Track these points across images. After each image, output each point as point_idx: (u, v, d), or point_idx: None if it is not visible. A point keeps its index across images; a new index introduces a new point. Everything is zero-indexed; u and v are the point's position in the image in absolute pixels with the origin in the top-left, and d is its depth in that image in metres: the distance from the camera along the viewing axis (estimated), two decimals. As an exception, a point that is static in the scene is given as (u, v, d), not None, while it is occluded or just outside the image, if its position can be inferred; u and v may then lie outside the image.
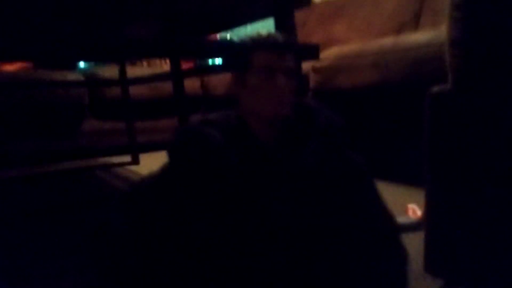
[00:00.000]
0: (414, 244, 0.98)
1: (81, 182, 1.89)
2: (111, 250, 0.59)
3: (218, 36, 2.54)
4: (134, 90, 2.02)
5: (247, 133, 0.58)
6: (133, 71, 2.12)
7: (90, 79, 2.14)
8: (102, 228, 0.63)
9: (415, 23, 2.07)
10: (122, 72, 1.92)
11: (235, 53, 0.62)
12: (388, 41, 1.57)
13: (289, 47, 0.58)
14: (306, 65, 1.67)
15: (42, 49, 0.80)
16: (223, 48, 0.96)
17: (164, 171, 0.60)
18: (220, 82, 2.43)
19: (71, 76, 2.04)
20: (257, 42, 0.58)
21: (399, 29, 2.09)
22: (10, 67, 2.21)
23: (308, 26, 2.65)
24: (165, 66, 2.64)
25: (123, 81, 1.93)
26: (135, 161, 2.00)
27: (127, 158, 2.02)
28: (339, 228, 0.56)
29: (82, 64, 2.33)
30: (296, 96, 0.60)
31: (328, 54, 1.75)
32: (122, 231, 0.58)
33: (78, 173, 2.02)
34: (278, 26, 1.08)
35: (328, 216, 0.56)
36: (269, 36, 0.58)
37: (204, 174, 0.55)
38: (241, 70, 0.59)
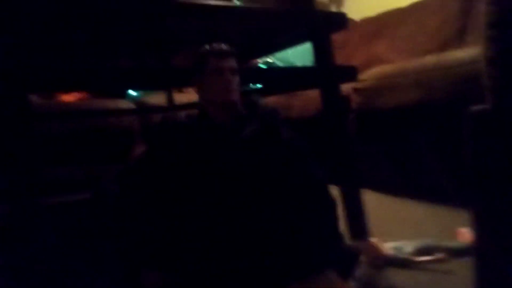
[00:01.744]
0: (466, 269, 0.94)
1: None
2: (109, 211, 0.84)
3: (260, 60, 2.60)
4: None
5: (207, 117, 0.81)
6: (179, 98, 2.21)
7: (140, 106, 2.25)
8: (100, 196, 0.91)
9: (459, 40, 2.03)
10: (170, 99, 2.01)
11: (194, 59, 0.83)
12: (430, 59, 1.54)
13: (231, 53, 0.81)
14: (347, 86, 1.68)
15: (97, 80, 0.87)
16: (262, 75, 0.99)
17: (146, 151, 0.82)
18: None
19: (123, 105, 2.15)
20: (209, 51, 0.81)
21: (443, 47, 2.05)
22: (68, 98, 2.38)
23: (349, 46, 2.65)
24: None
25: (171, 107, 2.02)
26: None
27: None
28: (278, 187, 0.74)
29: (132, 92, 2.45)
30: (242, 92, 0.81)
31: (370, 75, 1.74)
32: (116, 197, 0.82)
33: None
34: (316, 49, 1.11)
35: (268, 169, 0.75)
36: (216, 45, 0.81)
37: (176, 148, 0.77)
38: (199, 71, 0.81)
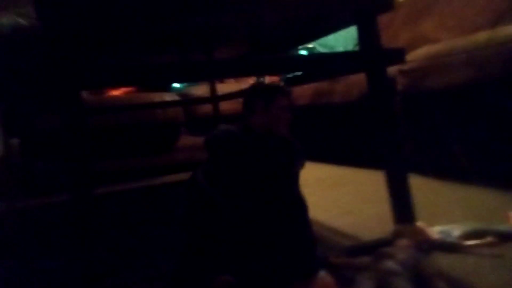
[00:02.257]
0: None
1: (179, 194, 2.03)
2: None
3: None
4: (223, 105, 2.14)
5: (261, 141, 0.85)
6: (221, 88, 2.25)
7: (184, 98, 2.31)
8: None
9: (513, 13, 1.91)
10: (213, 90, 2.04)
11: (262, 90, 0.91)
12: (482, 36, 1.47)
13: (286, 92, 0.89)
14: (393, 68, 1.63)
15: (145, 76, 0.90)
16: (302, 63, 0.99)
17: (208, 161, 0.86)
18: (303, 93, 2.46)
19: (168, 97, 2.22)
20: (281, 89, 0.89)
21: (495, 22, 1.94)
22: (116, 92, 2.47)
23: (394, 27, 2.57)
24: (250, 81, 2.74)
25: (214, 98, 2.05)
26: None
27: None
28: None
29: (176, 85, 2.51)
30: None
31: (416, 55, 1.69)
32: (185, 210, 0.87)
33: (175, 187, 2.17)
34: (361, 33, 1.08)
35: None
36: (284, 86, 0.92)
37: (235, 159, 0.82)
38: (265, 103, 0.87)
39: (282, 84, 0.92)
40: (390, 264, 0.80)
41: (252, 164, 0.83)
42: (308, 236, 0.85)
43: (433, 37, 2.25)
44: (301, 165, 0.88)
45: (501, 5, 1.96)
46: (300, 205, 0.85)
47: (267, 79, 2.59)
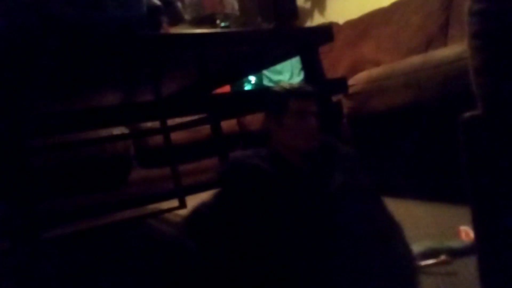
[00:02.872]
0: (469, 268, 0.96)
1: (134, 231, 1.97)
2: (184, 266, 0.73)
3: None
4: (174, 136, 2.11)
5: (284, 162, 0.73)
6: (171, 119, 2.22)
7: (133, 130, 2.25)
8: (175, 249, 0.78)
9: (443, 35, 2.05)
10: (163, 121, 2.01)
11: (272, 99, 0.76)
12: (417, 59, 1.56)
13: (315, 95, 0.75)
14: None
15: (91, 121, 0.87)
16: (250, 97, 1.00)
17: (221, 197, 0.74)
18: (255, 119, 2.49)
19: (116, 130, 2.16)
20: (292, 91, 0.74)
21: (428, 43, 2.08)
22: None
23: (335, 50, 2.67)
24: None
25: (165, 129, 2.03)
26: (182, 205, 2.06)
27: (174, 203, 2.09)
28: (354, 231, 0.70)
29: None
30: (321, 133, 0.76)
31: (358, 79, 1.76)
32: (192, 249, 0.72)
33: (130, 223, 2.10)
34: (305, 64, 1.12)
35: (353, 226, 0.70)
36: (300, 86, 0.74)
37: (256, 196, 0.69)
38: (277, 113, 0.74)
39: (310, 87, 0.76)
40: None
41: (283, 202, 0.69)
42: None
43: (373, 59, 2.37)
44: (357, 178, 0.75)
45: (432, 29, 2.10)
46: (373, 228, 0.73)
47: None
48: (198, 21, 1.15)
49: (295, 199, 0.70)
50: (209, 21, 1.16)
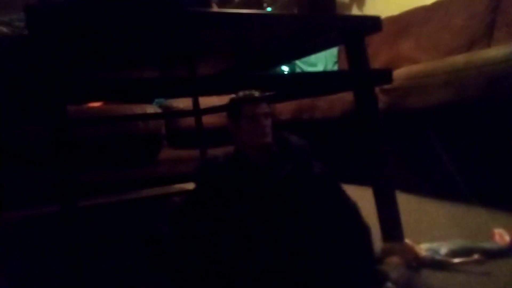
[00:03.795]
0: (503, 270, 0.95)
1: (160, 207, 2.01)
2: (163, 254, 0.87)
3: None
4: (206, 119, 2.13)
5: (244, 158, 0.86)
6: (204, 101, 2.24)
7: (166, 111, 2.29)
8: (153, 238, 0.91)
9: (487, 38, 2.00)
10: (196, 103, 2.04)
11: (229, 107, 0.89)
12: (460, 58, 1.53)
13: (263, 99, 0.87)
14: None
15: (127, 90, 0.90)
16: (296, 81, 1.00)
17: (192, 193, 0.89)
18: (286, 108, 2.49)
19: (150, 109, 2.19)
20: (243, 98, 0.86)
21: (470, 45, 2.03)
22: (96, 103, 2.43)
23: (373, 46, 2.63)
24: (233, 95, 2.75)
25: (197, 111, 2.05)
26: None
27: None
28: (313, 219, 0.83)
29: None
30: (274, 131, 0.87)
31: (397, 75, 1.73)
32: (170, 239, 0.86)
33: (157, 200, 2.14)
34: (350, 53, 1.11)
35: (304, 210, 0.83)
36: (250, 93, 0.86)
37: (219, 190, 0.83)
38: (234, 118, 0.86)
39: (258, 92, 0.89)
40: (388, 285, 0.81)
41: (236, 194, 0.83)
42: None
43: (411, 57, 2.33)
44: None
45: (476, 30, 2.05)
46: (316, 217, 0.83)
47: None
48: (245, 3, 1.16)
49: (249, 189, 0.83)
50: (256, 4, 1.17)
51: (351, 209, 0.89)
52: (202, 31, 1.00)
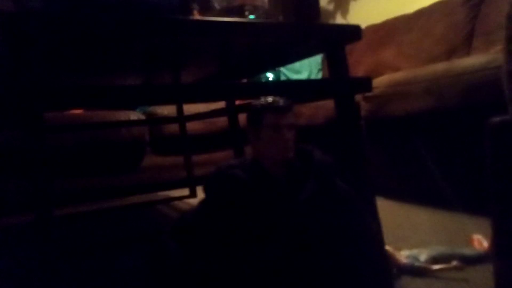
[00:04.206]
0: (481, 277, 0.96)
1: (144, 216, 1.99)
2: (168, 271, 0.79)
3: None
4: (190, 125, 2.13)
5: (262, 172, 0.78)
6: (188, 108, 2.23)
7: (150, 117, 2.27)
8: (158, 254, 0.82)
9: (466, 46, 2.04)
10: (180, 110, 2.03)
11: (249, 114, 0.81)
12: (440, 67, 1.55)
13: (289, 108, 0.78)
14: (357, 94, 1.69)
15: (109, 98, 0.88)
16: (277, 89, 1.00)
17: (204, 205, 0.81)
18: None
19: (133, 116, 2.18)
20: (266, 106, 0.78)
21: (450, 53, 2.07)
22: (77, 109, 2.40)
23: (356, 53, 2.67)
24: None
25: (181, 118, 2.04)
26: (193, 194, 2.08)
27: (185, 192, 2.11)
28: (336, 235, 0.76)
29: (141, 103, 2.47)
30: (296, 143, 0.79)
31: (379, 82, 1.76)
32: (176, 255, 0.77)
33: (140, 208, 2.12)
34: (330, 61, 1.12)
35: (325, 232, 0.76)
36: (274, 100, 0.78)
37: (234, 205, 0.75)
38: (254, 126, 0.79)
39: (286, 99, 0.80)
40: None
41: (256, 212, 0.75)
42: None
43: (393, 65, 2.36)
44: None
45: (456, 39, 2.09)
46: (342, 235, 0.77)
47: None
48: (227, 11, 1.16)
49: (268, 208, 0.75)
50: (238, 11, 1.17)
51: (371, 232, 0.83)
52: (184, 38, 1.00)
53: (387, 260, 0.87)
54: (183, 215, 0.85)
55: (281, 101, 0.78)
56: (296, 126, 0.79)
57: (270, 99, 0.79)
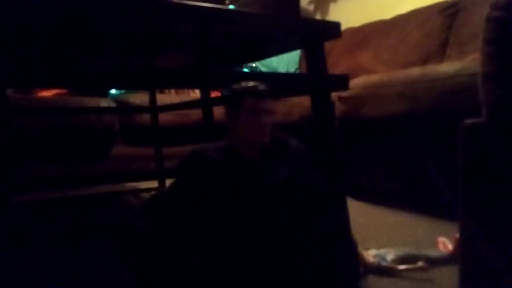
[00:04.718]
0: (445, 278, 0.97)
1: (109, 206, 1.93)
2: (139, 247, 0.80)
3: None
4: (163, 117, 2.08)
5: (237, 154, 0.80)
6: (161, 99, 2.18)
7: (121, 106, 2.21)
8: (130, 230, 0.83)
9: (441, 53, 2.08)
10: (153, 99, 1.98)
11: (229, 96, 0.82)
12: (415, 71, 1.58)
13: (269, 94, 0.80)
14: (333, 94, 1.69)
15: (79, 77, 0.84)
16: (251, 79, 0.99)
17: (177, 185, 0.81)
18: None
19: (103, 103, 2.11)
20: (246, 90, 0.80)
21: (425, 60, 2.11)
22: (46, 93, 2.31)
23: (333, 55, 2.69)
24: (192, 94, 2.70)
25: (154, 108, 1.99)
26: (162, 186, 2.03)
27: (154, 184, 2.06)
28: (305, 223, 0.78)
29: (113, 90, 2.41)
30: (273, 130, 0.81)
31: (355, 84, 1.76)
32: (146, 232, 0.78)
33: (106, 198, 2.06)
34: (309, 57, 1.11)
35: (296, 214, 0.78)
36: (254, 85, 0.80)
37: (208, 184, 0.77)
38: (234, 109, 0.80)
39: (265, 85, 0.81)
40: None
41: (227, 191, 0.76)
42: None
43: (369, 69, 2.39)
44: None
45: (431, 46, 2.14)
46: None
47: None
48: (207, -1, 1.13)
49: (242, 188, 0.76)
50: (218, 0, 1.14)
51: (339, 226, 0.85)
52: (159, 21, 0.97)
53: (355, 254, 0.88)
54: (155, 195, 0.86)
55: (261, 86, 0.80)
56: (274, 112, 0.81)
57: (251, 83, 0.80)
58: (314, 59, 1.07)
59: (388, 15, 2.54)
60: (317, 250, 0.77)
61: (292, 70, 2.94)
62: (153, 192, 1.95)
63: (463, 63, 1.43)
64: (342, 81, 1.07)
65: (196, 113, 2.13)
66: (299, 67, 2.97)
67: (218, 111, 2.15)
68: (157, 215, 0.79)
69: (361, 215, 1.56)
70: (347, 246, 0.85)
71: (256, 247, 0.75)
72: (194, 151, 0.80)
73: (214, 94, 2.37)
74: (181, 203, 0.78)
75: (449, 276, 0.97)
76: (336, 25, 1.06)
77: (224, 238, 0.74)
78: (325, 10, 3.14)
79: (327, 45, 1.11)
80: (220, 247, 0.74)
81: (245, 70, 2.91)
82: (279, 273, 0.74)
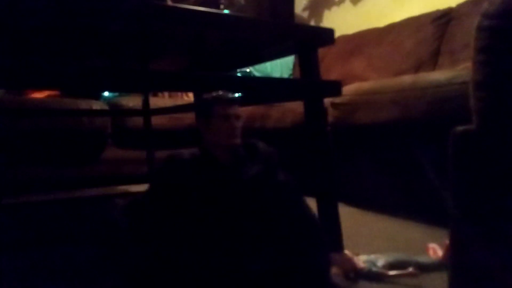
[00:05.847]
0: (435, 284, 0.98)
1: (100, 209, 1.92)
2: (119, 244, 0.89)
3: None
4: (155, 120, 2.07)
5: (210, 157, 0.86)
6: (154, 102, 2.18)
7: (113, 108, 2.20)
8: (110, 228, 0.96)
9: (433, 62, 2.11)
10: (146, 102, 1.97)
11: (201, 105, 0.89)
12: (407, 79, 1.59)
13: (236, 101, 0.88)
14: (325, 100, 1.70)
15: (70, 79, 0.84)
16: (245, 83, 0.99)
17: (153, 186, 0.88)
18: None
19: (96, 105, 2.10)
20: (217, 98, 0.87)
21: (417, 68, 2.13)
22: (38, 95, 2.30)
23: (326, 61, 2.70)
24: (185, 97, 2.71)
25: (147, 111, 1.99)
26: (153, 190, 2.02)
27: (145, 187, 2.05)
28: (274, 222, 0.83)
29: (106, 93, 2.40)
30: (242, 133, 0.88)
31: (347, 90, 1.77)
32: (126, 230, 0.86)
33: (97, 200, 2.04)
34: (302, 62, 1.12)
35: (265, 214, 0.83)
36: (223, 94, 0.88)
37: (181, 184, 0.82)
38: (205, 117, 0.87)
39: (231, 94, 0.89)
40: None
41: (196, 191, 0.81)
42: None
43: (362, 76, 2.40)
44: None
45: (423, 55, 2.16)
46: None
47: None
48: (201, 3, 1.14)
49: (214, 188, 0.83)
50: (213, 4, 1.15)
51: (310, 220, 0.90)
52: (155, 25, 0.97)
53: (325, 252, 0.90)
54: (135, 196, 0.91)
55: (229, 94, 0.88)
56: (241, 116, 0.89)
57: (220, 92, 0.88)
58: (307, 64, 1.07)
59: (381, 23, 2.57)
60: (285, 244, 0.83)
61: (286, 75, 2.95)
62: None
63: (454, 71, 1.44)
64: (335, 87, 1.08)
65: (189, 117, 2.13)
66: (293, 73, 2.98)
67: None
68: (137, 215, 0.86)
69: (352, 220, 1.57)
70: (315, 241, 0.88)
71: (226, 241, 0.79)
72: (170, 155, 0.87)
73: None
74: (158, 203, 0.84)
75: (438, 282, 0.98)
76: (330, 31, 1.07)
77: (198, 234, 0.80)
78: (319, 17, 3.16)
79: (321, 52, 1.12)
80: (194, 243, 0.79)
81: (238, 74, 2.92)
82: (250, 266, 0.79)
